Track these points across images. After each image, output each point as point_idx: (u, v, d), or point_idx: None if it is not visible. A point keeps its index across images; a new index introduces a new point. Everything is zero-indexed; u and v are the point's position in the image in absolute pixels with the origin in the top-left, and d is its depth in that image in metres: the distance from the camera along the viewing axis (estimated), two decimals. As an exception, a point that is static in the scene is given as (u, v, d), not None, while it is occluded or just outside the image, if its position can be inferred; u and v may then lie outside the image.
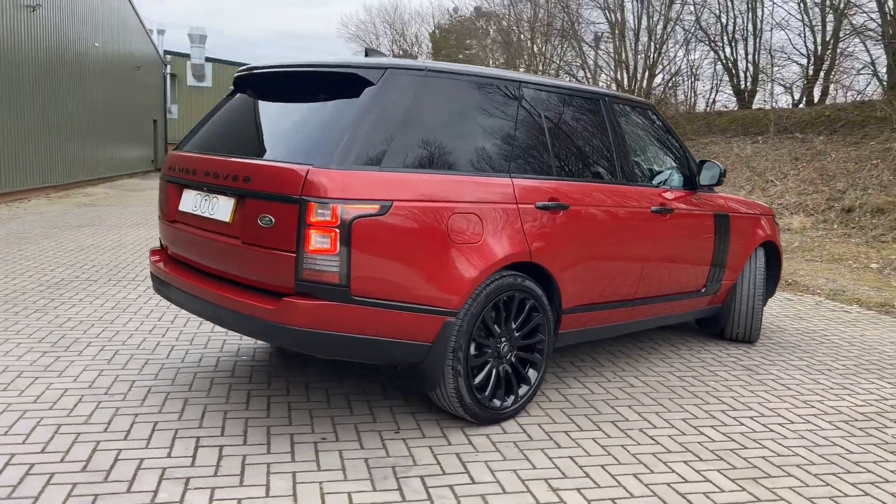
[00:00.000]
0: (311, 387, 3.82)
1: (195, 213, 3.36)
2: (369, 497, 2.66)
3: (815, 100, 20.44)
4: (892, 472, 3.12)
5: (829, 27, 19.80)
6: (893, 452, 3.35)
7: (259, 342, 4.59)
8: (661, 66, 19.77)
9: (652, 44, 19.21)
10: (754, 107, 21.45)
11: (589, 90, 4.14)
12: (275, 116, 3.44)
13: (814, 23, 20.36)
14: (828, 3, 19.78)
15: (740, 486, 2.90)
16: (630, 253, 4.05)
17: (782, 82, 22.32)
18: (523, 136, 3.58)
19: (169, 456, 2.92)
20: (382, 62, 3.16)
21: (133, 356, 4.21)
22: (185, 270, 3.43)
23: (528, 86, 3.67)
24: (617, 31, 19.30)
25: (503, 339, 3.40)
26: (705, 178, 4.61)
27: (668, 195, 4.38)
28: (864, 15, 18.87)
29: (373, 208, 2.87)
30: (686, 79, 20.61)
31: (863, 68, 24.97)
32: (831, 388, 4.27)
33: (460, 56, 43.47)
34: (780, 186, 13.96)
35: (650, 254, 4.19)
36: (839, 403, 4.01)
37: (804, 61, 20.92)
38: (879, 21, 18.08)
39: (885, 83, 18.97)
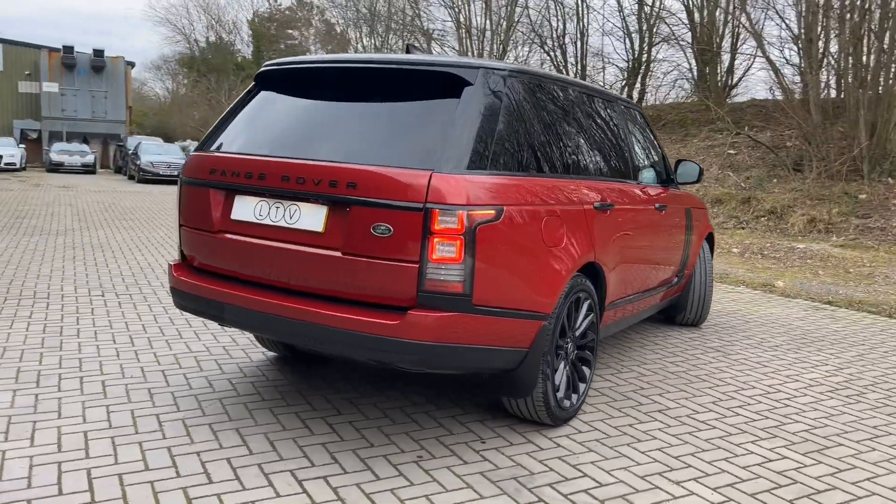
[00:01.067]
0: (357, 403, 3.59)
1: (260, 222, 3.02)
2: (523, 512, 2.59)
3: (635, 101, 22.46)
4: (907, 432, 3.60)
5: (646, 34, 21.81)
6: (890, 414, 3.85)
7: (251, 358, 4.21)
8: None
9: (494, 45, 19.95)
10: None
11: (612, 93, 4.30)
12: (351, 116, 3.15)
13: (631, 29, 22.32)
14: (644, 12, 21.76)
15: (816, 460, 3.19)
16: (646, 247, 4.28)
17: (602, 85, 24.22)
18: (579, 137, 3.64)
19: (279, 496, 2.62)
20: (472, 62, 3.04)
21: (128, 387, 3.68)
22: (246, 287, 3.06)
23: (582, 89, 3.79)
24: (463, 30, 19.81)
25: (569, 340, 3.43)
26: (682, 175, 4.96)
27: (662, 192, 4.66)
28: (676, 24, 21.05)
29: (490, 214, 2.77)
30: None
31: (671, 71, 27.66)
32: (795, 363, 4.78)
33: (282, 46, 42.15)
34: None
35: (655, 248, 4.44)
36: (813, 376, 4.51)
37: (624, 65, 22.87)
38: (689, 29, 20.24)
39: (692, 85, 21.26)
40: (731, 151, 14.87)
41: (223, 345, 4.48)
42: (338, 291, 2.85)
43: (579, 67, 23.10)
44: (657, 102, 22.14)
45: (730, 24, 19.50)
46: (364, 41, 30.12)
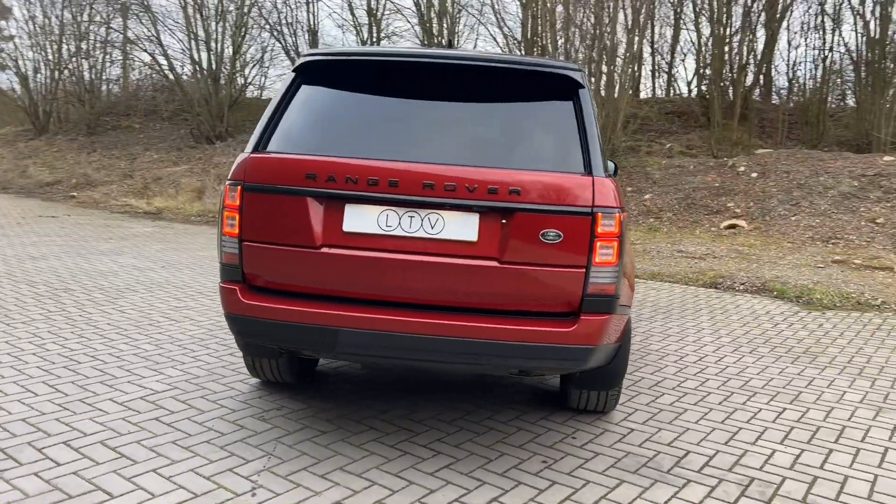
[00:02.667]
0: (438, 419, 3.39)
1: (388, 233, 2.70)
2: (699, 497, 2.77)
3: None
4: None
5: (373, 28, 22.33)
6: (857, 376, 4.75)
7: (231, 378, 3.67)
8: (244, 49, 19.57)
9: (228, 26, 18.87)
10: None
11: None
12: (456, 117, 2.94)
13: (360, 22, 22.72)
14: (371, 5, 22.29)
15: None
16: None
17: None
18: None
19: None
20: (568, 64, 3.06)
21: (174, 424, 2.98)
22: (368, 307, 2.71)
23: None
24: (191, 8, 18.34)
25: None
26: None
27: None
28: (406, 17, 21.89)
29: (625, 216, 2.87)
30: (260, 65, 20.86)
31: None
32: (749, 342, 5.57)
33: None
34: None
35: None
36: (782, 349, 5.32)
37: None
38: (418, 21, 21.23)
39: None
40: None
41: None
42: (491, 302, 2.70)
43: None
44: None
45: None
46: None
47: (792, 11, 16.87)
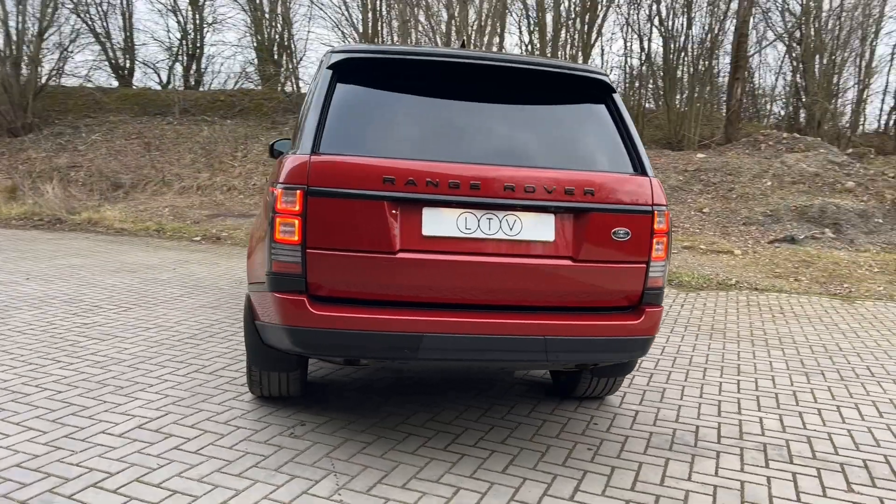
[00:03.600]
0: (468, 418, 3.39)
1: (468, 236, 2.68)
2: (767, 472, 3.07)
3: (193, 85, 21.63)
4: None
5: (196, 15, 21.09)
6: (767, 346, 5.34)
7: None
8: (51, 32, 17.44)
9: (31, 5, 16.81)
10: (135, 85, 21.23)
11: None
12: (504, 118, 2.96)
13: (185, 11, 21.34)
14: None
15: None
16: None
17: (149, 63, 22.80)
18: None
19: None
20: (597, 68, 3.21)
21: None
22: (448, 311, 2.67)
23: None
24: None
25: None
26: None
27: None
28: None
29: (668, 213, 3.09)
30: (64, 50, 18.72)
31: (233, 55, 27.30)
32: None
33: None
34: (240, 167, 14.92)
35: None
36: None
37: (176, 44, 21.74)
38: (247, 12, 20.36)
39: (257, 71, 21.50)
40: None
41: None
42: (563, 300, 2.80)
43: (125, 42, 21.10)
44: (223, 87, 21.71)
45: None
46: None
47: (605, 18, 18.49)
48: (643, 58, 19.09)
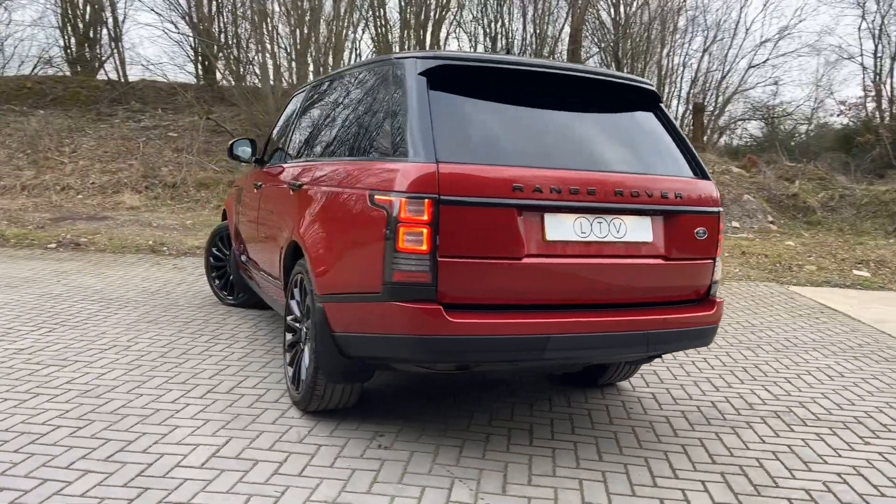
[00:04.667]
0: (521, 414, 3.50)
1: (584, 240, 2.82)
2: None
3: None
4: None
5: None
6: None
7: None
8: None
9: None
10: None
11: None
12: (585, 126, 3.11)
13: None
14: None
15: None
16: None
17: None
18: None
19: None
20: (642, 78, 3.46)
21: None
22: (567, 311, 2.79)
23: None
24: None
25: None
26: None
27: None
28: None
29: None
30: None
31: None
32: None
33: None
34: (72, 164, 13.46)
35: None
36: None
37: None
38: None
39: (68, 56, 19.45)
40: (173, 134, 14.83)
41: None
42: (654, 296, 3.03)
43: None
44: (22, 73, 19.27)
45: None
46: None
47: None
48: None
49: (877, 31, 18.06)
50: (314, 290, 3.14)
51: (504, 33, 18.14)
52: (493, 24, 18.05)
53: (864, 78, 18.77)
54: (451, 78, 2.95)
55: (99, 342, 4.56)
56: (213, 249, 6.05)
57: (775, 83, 24.60)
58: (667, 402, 3.87)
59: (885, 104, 18.51)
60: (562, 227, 2.81)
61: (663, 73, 21.33)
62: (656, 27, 20.50)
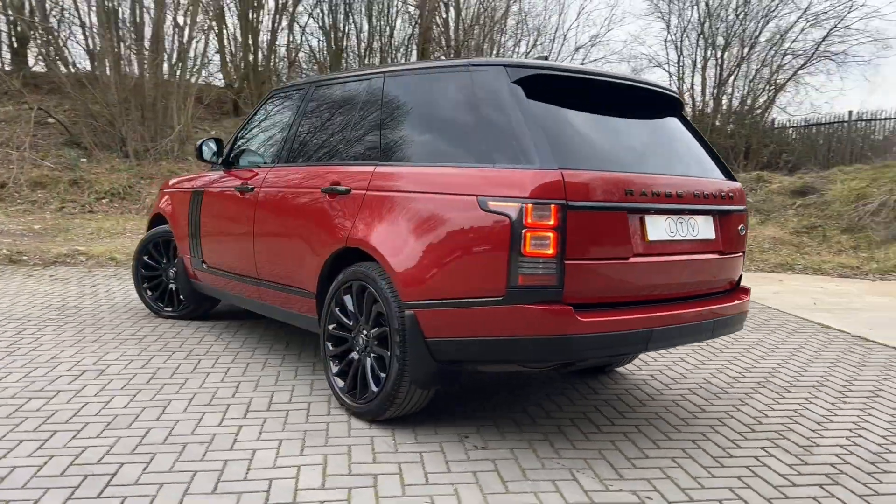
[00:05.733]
0: (566, 410, 3.68)
1: (672, 239, 3.06)
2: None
3: None
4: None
5: None
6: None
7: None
8: None
9: None
10: None
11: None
12: (644, 132, 3.33)
13: None
14: None
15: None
16: None
17: None
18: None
19: None
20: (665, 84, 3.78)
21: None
22: (660, 305, 3.03)
23: None
24: None
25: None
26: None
27: None
28: None
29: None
30: None
31: None
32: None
33: None
34: None
35: None
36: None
37: None
38: None
39: None
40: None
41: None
42: (711, 287, 3.37)
43: None
44: None
45: None
46: None
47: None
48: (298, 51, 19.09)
49: (679, 43, 20.31)
50: (399, 297, 3.10)
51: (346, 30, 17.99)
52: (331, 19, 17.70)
53: (670, 84, 21.22)
54: (538, 87, 3.04)
55: (61, 367, 4.05)
56: (145, 258, 5.54)
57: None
58: (669, 381, 4.27)
59: (687, 109, 20.91)
60: (658, 228, 3.04)
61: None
62: (485, 30, 21.51)
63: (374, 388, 3.25)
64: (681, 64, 20.23)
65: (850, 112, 17.34)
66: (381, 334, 3.26)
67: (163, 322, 5.30)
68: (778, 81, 18.92)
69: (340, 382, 3.49)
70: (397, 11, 17.36)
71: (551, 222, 2.72)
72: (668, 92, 3.56)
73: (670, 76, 20.24)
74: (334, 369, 3.53)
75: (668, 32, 20.78)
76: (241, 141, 4.75)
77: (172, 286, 5.45)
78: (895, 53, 22.21)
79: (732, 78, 19.11)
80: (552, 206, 2.71)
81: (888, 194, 12.06)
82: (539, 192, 2.72)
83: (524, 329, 2.78)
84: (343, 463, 2.90)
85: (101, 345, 4.59)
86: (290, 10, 16.91)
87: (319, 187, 3.66)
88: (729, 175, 3.60)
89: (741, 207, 3.49)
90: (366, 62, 17.87)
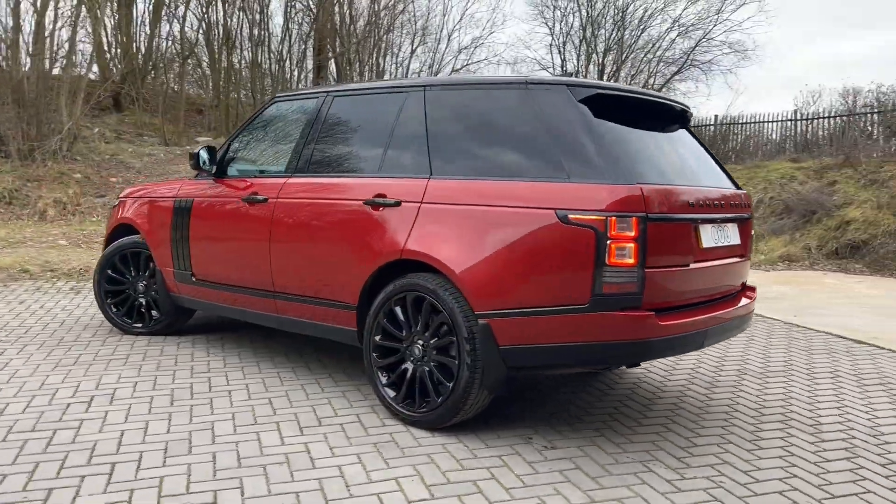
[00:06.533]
0: (616, 413, 3.89)
1: (717, 245, 3.36)
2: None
3: None
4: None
5: None
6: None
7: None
8: None
9: None
10: None
11: None
12: (668, 143, 3.58)
13: None
14: None
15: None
16: None
17: None
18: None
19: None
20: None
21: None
22: (707, 307, 3.31)
23: None
24: None
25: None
26: None
27: None
28: None
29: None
30: None
31: None
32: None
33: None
34: None
35: None
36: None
37: None
38: None
39: None
40: None
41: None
42: (735, 287, 3.71)
43: None
44: None
45: None
46: None
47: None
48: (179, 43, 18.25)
49: (562, 48, 21.36)
50: (469, 307, 3.18)
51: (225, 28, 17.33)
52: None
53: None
54: (597, 105, 3.23)
55: (62, 394, 3.78)
56: (109, 272, 5.21)
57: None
58: (680, 373, 4.61)
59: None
60: (708, 236, 3.32)
61: (381, 73, 22.46)
62: (373, 28, 21.51)
63: (437, 397, 3.32)
64: (564, 68, 21.27)
65: (716, 116, 18.97)
66: (442, 344, 3.32)
67: (136, 339, 5.01)
68: (655, 87, 20.32)
69: (392, 393, 3.52)
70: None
71: (632, 234, 2.92)
72: (684, 106, 3.87)
73: (554, 79, 21.29)
74: (384, 380, 3.55)
75: (553, 38, 21.76)
76: (236, 149, 4.60)
77: (143, 300, 5.17)
78: (753, 64, 24.57)
79: (613, 83, 20.40)
80: (633, 218, 2.92)
81: (763, 192, 13.37)
82: (621, 206, 2.91)
83: (607, 334, 2.96)
84: (434, 472, 2.95)
85: (86, 367, 4.29)
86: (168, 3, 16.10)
87: (360, 199, 3.65)
88: (735, 183, 3.97)
89: (751, 214, 3.87)
90: (253, 57, 17.36)
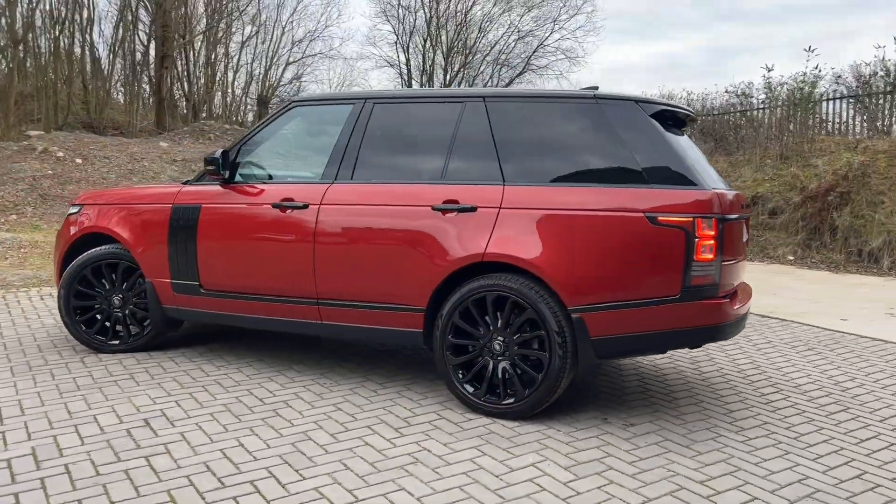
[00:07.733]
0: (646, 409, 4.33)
1: (744, 241, 3.91)
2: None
3: None
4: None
5: None
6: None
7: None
8: None
9: None
10: None
11: None
12: (693, 151, 4.06)
13: None
14: None
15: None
16: None
17: None
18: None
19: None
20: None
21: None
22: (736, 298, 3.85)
23: None
24: None
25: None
26: None
27: None
28: None
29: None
30: None
31: None
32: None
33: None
34: None
35: None
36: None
37: None
38: None
39: None
40: None
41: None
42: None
43: None
44: None
45: None
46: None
47: None
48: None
49: (406, 46, 21.75)
50: (561, 303, 3.47)
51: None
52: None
53: (401, 84, 22.65)
54: (662, 118, 3.65)
55: (105, 419, 3.52)
56: (78, 287, 4.76)
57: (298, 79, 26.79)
58: (688, 361, 5.18)
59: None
60: (744, 234, 3.87)
61: (216, 62, 21.48)
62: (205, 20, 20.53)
63: (524, 389, 3.56)
64: (409, 66, 21.76)
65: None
66: (527, 339, 3.57)
67: (122, 357, 4.66)
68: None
69: (471, 388, 3.70)
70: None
71: (713, 233, 3.37)
72: (694, 114, 4.40)
73: (401, 76, 21.61)
74: (461, 377, 3.72)
75: (397, 36, 22.09)
76: (248, 155, 4.45)
77: (118, 314, 4.80)
78: (582, 69, 26.99)
79: (457, 82, 21.16)
80: (713, 219, 3.37)
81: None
82: (705, 209, 3.35)
83: (693, 321, 3.39)
84: (559, 457, 3.21)
85: (88, 392, 3.97)
86: None
87: (428, 205, 3.76)
88: (727, 183, 4.59)
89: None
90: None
